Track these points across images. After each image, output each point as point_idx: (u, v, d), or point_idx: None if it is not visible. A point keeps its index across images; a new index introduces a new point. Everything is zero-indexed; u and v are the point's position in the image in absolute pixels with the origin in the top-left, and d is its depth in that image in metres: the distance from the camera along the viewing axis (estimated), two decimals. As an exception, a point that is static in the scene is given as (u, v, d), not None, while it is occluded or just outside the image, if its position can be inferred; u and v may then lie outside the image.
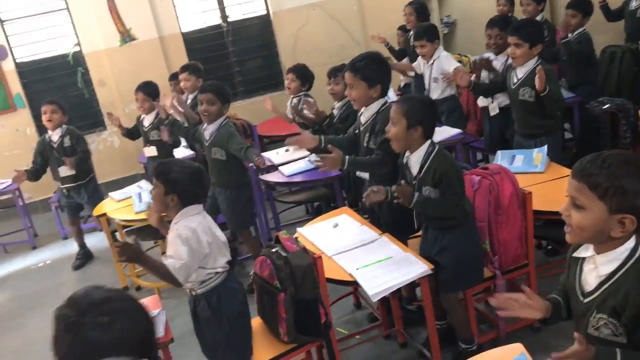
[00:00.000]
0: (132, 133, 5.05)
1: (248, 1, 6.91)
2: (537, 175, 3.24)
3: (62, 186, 4.85)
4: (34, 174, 4.79)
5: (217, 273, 2.52)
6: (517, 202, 2.75)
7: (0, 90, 6.22)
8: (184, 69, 5.09)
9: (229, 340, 2.54)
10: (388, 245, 2.75)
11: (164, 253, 4.67)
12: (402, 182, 2.68)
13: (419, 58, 4.88)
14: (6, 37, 6.20)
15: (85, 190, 4.83)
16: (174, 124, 4.18)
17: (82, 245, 5.05)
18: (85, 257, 5.02)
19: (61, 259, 5.22)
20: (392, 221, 2.97)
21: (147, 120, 4.85)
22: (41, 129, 6.30)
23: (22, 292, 4.75)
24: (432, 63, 4.65)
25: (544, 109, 3.51)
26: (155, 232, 4.14)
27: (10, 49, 6.23)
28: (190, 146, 5.01)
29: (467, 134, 4.52)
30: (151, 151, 4.89)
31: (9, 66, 6.22)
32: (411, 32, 5.85)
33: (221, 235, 2.56)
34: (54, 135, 4.78)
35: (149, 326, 1.36)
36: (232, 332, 2.54)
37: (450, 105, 4.66)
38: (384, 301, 3.02)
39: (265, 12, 6.98)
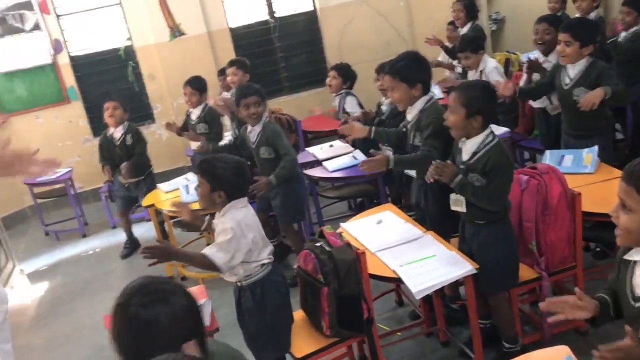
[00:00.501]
0: (183, 129, 5.15)
1: (296, -3, 6.96)
2: (587, 176, 3.17)
3: (123, 181, 4.98)
4: (113, 168, 4.98)
5: (262, 265, 2.57)
6: (566, 202, 2.69)
7: (55, 83, 6.43)
8: (232, 63, 5.16)
9: (270, 331, 2.59)
10: (432, 243, 2.75)
11: (209, 244, 4.80)
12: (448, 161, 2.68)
13: (469, 72, 4.78)
14: (61, 31, 6.40)
15: (145, 183, 4.95)
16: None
17: (130, 235, 5.19)
18: (132, 246, 5.16)
19: (110, 248, 5.38)
20: (437, 217, 2.96)
21: (195, 114, 4.94)
22: (93, 121, 6.53)
23: (73, 278, 4.91)
24: (479, 74, 4.57)
25: (597, 109, 3.40)
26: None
27: (65, 43, 6.43)
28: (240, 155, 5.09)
29: (514, 133, 4.46)
30: (198, 144, 4.98)
31: (63, 60, 6.42)
32: (459, 29, 5.80)
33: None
34: (116, 133, 4.91)
35: (191, 308, 1.43)
36: (274, 323, 2.59)
37: (506, 106, 4.57)
38: (427, 299, 3.01)
39: (312, 8, 7.01)
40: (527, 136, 4.54)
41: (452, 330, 3.10)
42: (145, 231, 5.37)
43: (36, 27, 6.21)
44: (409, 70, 3.03)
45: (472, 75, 4.63)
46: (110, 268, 4.95)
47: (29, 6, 6.14)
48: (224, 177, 2.51)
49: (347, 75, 4.94)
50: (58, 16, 6.36)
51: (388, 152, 4.12)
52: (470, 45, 4.58)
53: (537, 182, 2.68)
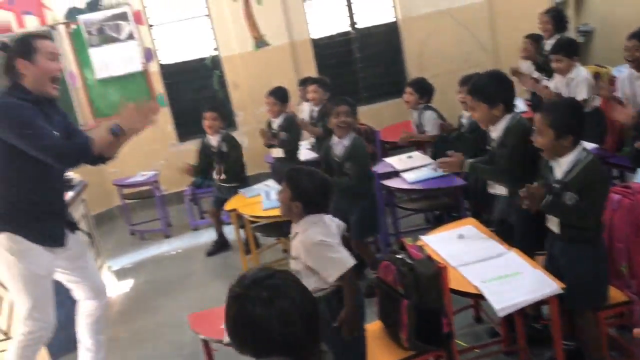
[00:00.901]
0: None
1: (377, 8, 7.00)
2: (684, 197, 3.01)
3: (219, 184, 5.26)
4: (200, 171, 5.25)
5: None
6: (661, 224, 2.58)
7: (145, 89, 6.76)
8: (315, 81, 5.26)
9: (345, 342, 2.60)
10: (517, 261, 2.69)
11: (285, 251, 4.89)
12: (535, 184, 2.62)
13: (556, 76, 4.65)
14: (153, 40, 6.73)
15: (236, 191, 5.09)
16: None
17: (220, 235, 5.39)
18: (220, 245, 5.36)
19: (191, 249, 5.59)
20: (524, 234, 2.89)
21: (276, 123, 5.09)
22: (179, 127, 6.81)
23: (156, 277, 5.13)
24: (567, 83, 4.43)
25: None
26: (279, 229, 4.36)
27: (156, 51, 6.76)
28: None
29: (602, 149, 4.29)
30: (278, 152, 5.13)
31: (153, 68, 6.74)
32: (544, 41, 5.64)
33: None
34: (213, 140, 5.17)
35: (310, 307, 1.46)
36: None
37: (593, 119, 4.43)
38: (507, 317, 2.94)
39: (393, 19, 7.03)
40: (615, 153, 4.36)
41: (533, 350, 3.02)
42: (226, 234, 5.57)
43: (130, 36, 6.56)
44: (490, 90, 3.00)
45: (559, 81, 4.50)
46: (192, 269, 5.14)
47: (124, 17, 6.50)
48: (306, 189, 2.55)
49: (423, 90, 4.92)
50: (150, 26, 6.70)
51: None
52: (566, 48, 4.46)
53: (630, 201, 2.59)
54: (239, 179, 5.20)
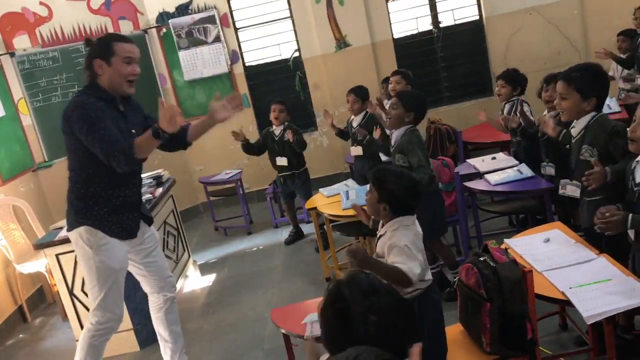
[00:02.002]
0: (344, 134, 5.43)
1: (461, 7, 6.88)
2: None
3: (279, 174, 5.49)
4: (249, 146, 5.56)
5: (423, 282, 2.57)
6: None
7: (230, 90, 6.94)
8: (397, 72, 5.26)
9: (425, 348, 2.57)
10: (607, 267, 2.58)
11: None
12: (612, 206, 2.47)
13: None
14: (238, 43, 6.93)
15: (298, 178, 5.44)
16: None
17: (296, 226, 5.66)
18: (296, 235, 5.65)
19: (272, 246, 5.72)
20: (615, 241, 2.77)
21: (356, 121, 5.13)
22: (262, 126, 6.96)
23: (239, 271, 5.28)
24: None
25: None
26: (358, 228, 4.39)
27: (242, 53, 6.95)
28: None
29: None
30: (357, 151, 5.18)
31: (238, 69, 6.95)
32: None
33: None
34: (277, 130, 5.42)
35: (408, 325, 1.47)
36: (429, 340, 2.57)
37: None
38: (596, 326, 2.82)
39: (477, 17, 6.89)
40: None
41: (623, 362, 2.88)
42: (305, 232, 5.68)
43: (217, 39, 6.79)
44: (587, 81, 2.89)
45: None
46: (273, 265, 5.26)
47: (212, 20, 6.73)
48: (392, 191, 2.51)
49: (515, 81, 4.72)
50: (237, 29, 6.90)
51: (550, 168, 3.92)
52: None
53: None
54: (301, 168, 5.46)
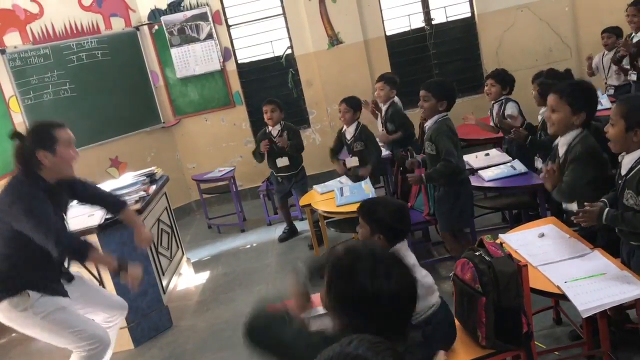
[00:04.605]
0: (336, 152, 5.30)
1: (453, 4, 6.90)
2: None
3: (277, 174, 5.48)
4: (258, 154, 5.52)
5: (430, 308, 2.57)
6: None
7: (222, 88, 6.96)
8: (380, 78, 5.24)
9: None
10: (601, 261, 2.60)
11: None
12: (586, 204, 2.57)
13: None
14: (231, 40, 6.92)
15: (295, 178, 5.44)
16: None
17: (290, 224, 5.65)
18: (290, 232, 5.65)
19: (266, 243, 5.71)
20: (608, 236, 2.79)
21: (349, 133, 5.11)
22: (254, 124, 6.97)
23: (233, 269, 5.28)
24: None
25: None
26: (352, 225, 4.39)
27: (234, 51, 6.94)
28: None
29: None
30: (353, 162, 5.10)
31: (231, 67, 6.92)
32: (633, 34, 5.40)
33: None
34: (274, 130, 5.38)
35: (411, 301, 1.48)
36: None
37: None
38: (590, 319, 2.85)
39: (469, 14, 6.91)
40: None
41: (618, 355, 2.90)
42: (299, 229, 5.69)
43: (209, 36, 6.77)
44: (578, 95, 2.92)
45: None
46: (266, 262, 5.25)
47: (205, 17, 6.71)
48: (383, 221, 2.53)
49: (504, 80, 4.79)
50: (229, 26, 6.88)
51: (539, 163, 3.94)
52: None
53: None
54: (299, 167, 5.46)
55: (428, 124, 3.81)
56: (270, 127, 5.40)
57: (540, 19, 6.70)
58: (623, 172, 2.54)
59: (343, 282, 1.46)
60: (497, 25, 6.75)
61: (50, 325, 3.02)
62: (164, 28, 6.72)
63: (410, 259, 2.56)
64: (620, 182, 2.55)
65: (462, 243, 3.87)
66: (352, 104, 5.06)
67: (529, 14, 6.70)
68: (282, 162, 5.35)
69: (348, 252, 1.51)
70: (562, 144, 3.02)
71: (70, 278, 3.23)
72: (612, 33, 5.66)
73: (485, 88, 4.92)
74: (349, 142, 5.13)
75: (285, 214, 5.64)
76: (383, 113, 5.38)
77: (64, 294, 3.13)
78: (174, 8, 6.71)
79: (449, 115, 3.79)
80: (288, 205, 5.68)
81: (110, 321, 3.41)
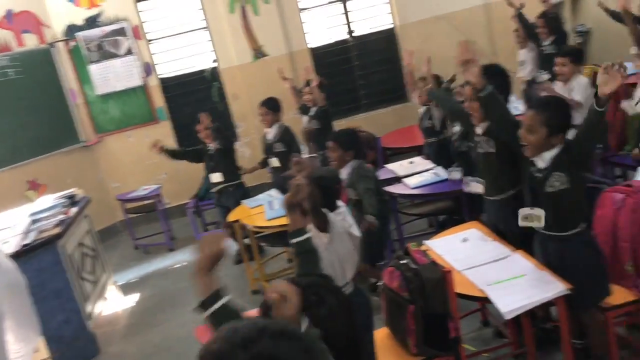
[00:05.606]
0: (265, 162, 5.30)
1: (374, 16, 7.03)
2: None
3: (213, 190, 5.27)
4: (173, 152, 5.37)
5: (345, 285, 2.59)
6: (665, 221, 2.57)
7: (145, 104, 6.78)
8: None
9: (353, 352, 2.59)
10: (522, 263, 2.69)
11: (290, 260, 4.89)
12: None
13: (557, 83, 4.63)
14: (151, 55, 6.76)
15: (233, 194, 5.12)
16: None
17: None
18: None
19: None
20: (523, 237, 2.88)
21: (271, 134, 5.09)
22: (180, 140, 6.83)
23: (162, 290, 5.12)
24: (570, 91, 4.40)
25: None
26: (283, 239, 4.36)
27: (155, 66, 6.78)
28: None
29: (605, 149, 4.29)
30: (274, 162, 5.11)
31: (153, 82, 6.77)
32: (543, 43, 5.66)
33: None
34: (269, 134, 5.15)
35: None
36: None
37: None
38: (515, 319, 2.93)
39: (391, 25, 7.06)
40: (617, 151, 4.36)
41: (542, 352, 3.00)
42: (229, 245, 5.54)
43: (129, 51, 6.59)
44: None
45: (560, 88, 4.49)
46: (197, 281, 5.12)
47: (123, 32, 6.53)
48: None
49: (439, 84, 4.92)
50: (149, 41, 6.73)
51: (456, 173, 4.05)
52: (574, 54, 4.49)
53: (634, 200, 2.58)
54: (236, 180, 5.21)
55: (343, 174, 3.77)
56: (208, 145, 5.17)
57: (457, 30, 6.93)
58: (542, 165, 2.61)
59: None
60: (416, 36, 6.92)
61: None
62: (81, 44, 6.49)
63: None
64: (539, 175, 2.62)
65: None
66: (271, 106, 5.04)
67: (447, 25, 6.92)
68: (216, 177, 5.16)
69: None
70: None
71: None
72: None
73: (416, 92, 4.97)
74: (269, 143, 5.10)
75: (230, 233, 5.38)
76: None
77: None
78: (90, 24, 6.50)
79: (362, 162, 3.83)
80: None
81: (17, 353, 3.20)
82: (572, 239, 2.61)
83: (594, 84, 5.02)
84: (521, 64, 6.03)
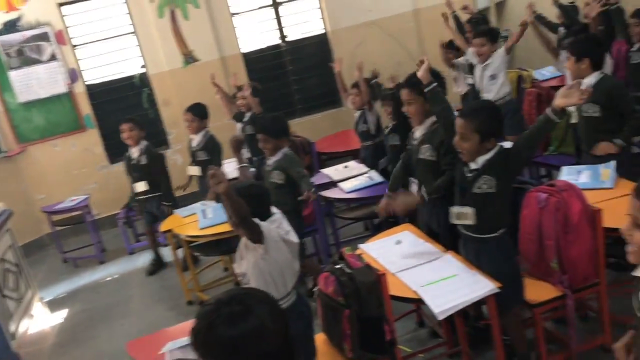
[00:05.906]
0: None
1: (306, 21, 7.05)
2: (606, 192, 3.14)
3: (137, 198, 5.12)
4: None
5: (288, 294, 2.57)
6: (587, 219, 2.67)
7: (71, 111, 6.52)
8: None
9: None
10: (453, 263, 2.73)
11: (226, 269, 4.81)
12: None
13: (477, 67, 5.00)
14: (77, 60, 6.52)
15: (156, 200, 5.03)
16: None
17: (157, 254, 5.27)
18: (157, 264, 5.26)
19: (128, 274, 5.40)
20: (454, 239, 2.94)
21: (195, 141, 4.98)
22: (108, 149, 6.61)
23: (92, 305, 4.93)
24: (487, 64, 4.84)
25: (612, 125, 3.41)
26: (217, 247, 4.28)
27: (81, 72, 6.54)
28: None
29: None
30: (195, 171, 5.00)
31: (79, 88, 6.52)
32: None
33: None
34: (134, 152, 5.02)
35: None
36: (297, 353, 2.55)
37: (509, 107, 4.74)
38: (448, 319, 2.98)
39: (323, 31, 7.09)
40: (541, 151, 4.52)
41: (475, 350, 3.06)
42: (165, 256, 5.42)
43: (53, 57, 6.33)
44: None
45: (478, 68, 4.97)
46: (129, 294, 4.96)
47: (45, 37, 6.26)
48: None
49: (372, 87, 4.98)
50: (74, 46, 6.48)
51: (414, 185, 4.10)
52: (489, 33, 4.95)
53: (556, 199, 2.67)
54: (158, 189, 5.04)
55: (272, 159, 3.80)
56: (131, 149, 5.03)
57: (388, 35, 7.04)
58: (474, 167, 2.67)
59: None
60: (349, 41, 6.98)
61: None
62: (0, 49, 6.18)
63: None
64: (470, 175, 2.68)
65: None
66: (197, 112, 4.94)
67: (378, 30, 7.02)
68: (141, 186, 5.01)
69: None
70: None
71: None
72: (450, 48, 5.99)
73: (350, 97, 5.00)
74: (193, 150, 5.00)
75: (152, 242, 5.27)
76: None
77: None
78: (9, 28, 6.19)
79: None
80: (155, 233, 5.26)
81: None
82: (488, 241, 2.69)
83: (518, 87, 5.27)
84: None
